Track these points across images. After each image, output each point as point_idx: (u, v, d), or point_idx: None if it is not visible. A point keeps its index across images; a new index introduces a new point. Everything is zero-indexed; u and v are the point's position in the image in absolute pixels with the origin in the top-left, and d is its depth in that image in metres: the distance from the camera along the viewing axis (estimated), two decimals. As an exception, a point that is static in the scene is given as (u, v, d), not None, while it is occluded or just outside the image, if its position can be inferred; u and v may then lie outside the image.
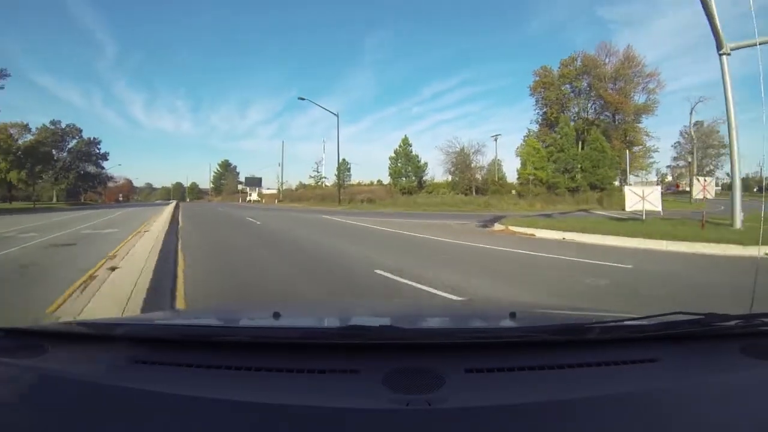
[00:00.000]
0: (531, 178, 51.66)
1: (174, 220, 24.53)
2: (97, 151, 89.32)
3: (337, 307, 3.58)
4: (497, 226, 18.62)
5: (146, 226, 18.57)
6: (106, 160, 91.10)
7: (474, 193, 55.66)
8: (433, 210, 39.65)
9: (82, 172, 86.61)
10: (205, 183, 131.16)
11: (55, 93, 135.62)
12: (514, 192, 53.50)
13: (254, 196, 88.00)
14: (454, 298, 6.46)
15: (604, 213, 30.09)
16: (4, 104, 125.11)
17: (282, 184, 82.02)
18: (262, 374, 1.42)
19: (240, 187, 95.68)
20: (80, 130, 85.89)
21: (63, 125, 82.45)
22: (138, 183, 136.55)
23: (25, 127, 72.24)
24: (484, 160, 61.23)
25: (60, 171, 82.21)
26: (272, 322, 1.90)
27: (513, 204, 43.89)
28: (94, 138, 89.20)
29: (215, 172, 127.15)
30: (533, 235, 15.80)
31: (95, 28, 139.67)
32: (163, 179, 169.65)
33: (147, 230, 15.76)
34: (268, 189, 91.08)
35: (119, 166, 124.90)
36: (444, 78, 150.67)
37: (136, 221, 23.78)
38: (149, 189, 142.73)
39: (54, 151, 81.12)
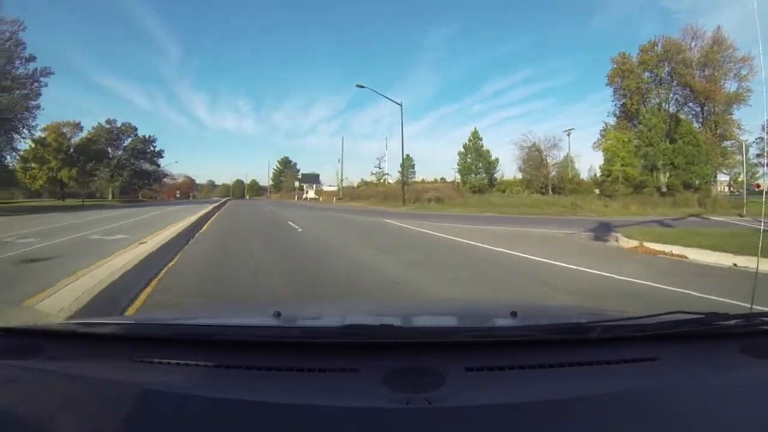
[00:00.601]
0: (619, 176, 45.26)
1: (203, 222, 20.68)
2: (153, 148, 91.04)
3: (337, 306, 3.66)
4: (624, 241, 13.33)
5: (165, 230, 14.63)
6: (161, 157, 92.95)
7: (550, 192, 50.16)
8: (514, 212, 33.14)
9: (137, 169, 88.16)
10: (266, 180, 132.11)
11: (121, 94, 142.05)
12: (597, 191, 47.36)
13: (311, 194, 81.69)
14: None
15: (722, 219, 24.43)
16: (71, 105, 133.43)
17: (342, 181, 77.13)
18: (262, 373, 1.43)
19: (297, 184, 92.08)
20: (135, 129, 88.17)
21: (119, 124, 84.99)
22: (201, 180, 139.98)
23: (77, 126, 74.02)
24: (560, 155, 55.74)
25: (115, 168, 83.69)
26: (273, 321, 1.90)
27: (603, 206, 37.54)
28: (149, 136, 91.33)
29: (275, 170, 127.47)
30: (684, 256, 10.78)
31: (158, 30, 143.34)
32: (224, 177, 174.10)
33: (150, 240, 11.54)
34: (330, 186, 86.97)
35: (176, 164, 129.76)
36: (506, 74, 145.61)
37: (164, 222, 19.57)
38: (211, 186, 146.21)
39: (109, 150, 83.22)
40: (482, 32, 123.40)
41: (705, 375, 1.53)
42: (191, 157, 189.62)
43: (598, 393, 1.35)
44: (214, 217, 26.47)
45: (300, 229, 17.68)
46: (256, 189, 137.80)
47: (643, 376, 1.49)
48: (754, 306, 2.60)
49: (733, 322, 1.68)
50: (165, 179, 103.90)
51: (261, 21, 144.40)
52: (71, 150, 68.14)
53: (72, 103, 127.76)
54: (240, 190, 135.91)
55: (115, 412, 1.24)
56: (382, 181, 68.22)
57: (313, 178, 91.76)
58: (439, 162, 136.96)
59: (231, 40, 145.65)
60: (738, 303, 6.14)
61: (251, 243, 12.95)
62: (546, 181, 52.50)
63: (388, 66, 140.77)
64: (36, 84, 46.60)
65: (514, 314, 1.94)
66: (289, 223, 21.07)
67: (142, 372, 1.48)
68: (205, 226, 19.33)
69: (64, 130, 70.30)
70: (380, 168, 69.57)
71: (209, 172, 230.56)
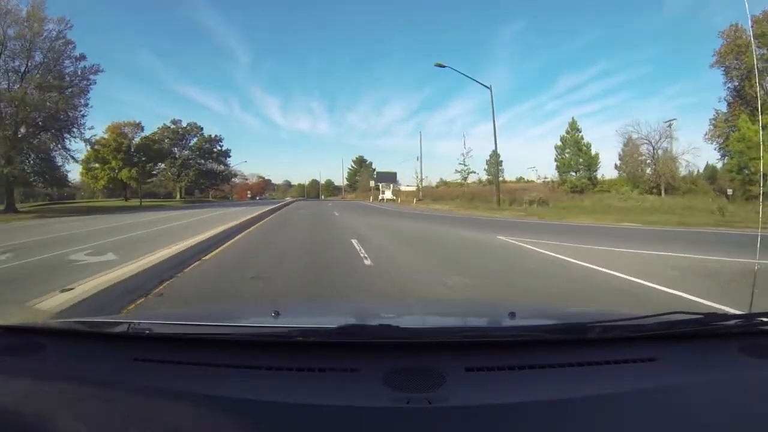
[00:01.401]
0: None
1: (234, 234, 15.10)
2: (219, 148, 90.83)
3: (337, 305, 3.67)
4: None
5: (163, 251, 9.48)
6: (228, 156, 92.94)
7: (662, 192, 42.25)
8: (658, 222, 23.43)
9: (204, 168, 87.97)
10: (340, 179, 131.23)
11: (196, 99, 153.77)
12: (730, 192, 36.93)
13: (388, 194, 71.42)
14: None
15: None
16: (143, 109, 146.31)
17: (421, 180, 68.30)
18: (261, 372, 1.44)
19: (372, 183, 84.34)
20: (201, 128, 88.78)
21: (184, 123, 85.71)
22: (277, 180, 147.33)
23: (138, 126, 73.00)
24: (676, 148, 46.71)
25: (180, 168, 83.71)
26: (272, 320, 1.90)
27: (753, 212, 27.54)
28: (216, 135, 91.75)
29: (350, 169, 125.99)
30: None
31: (230, 37, 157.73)
32: (300, 177, 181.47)
33: (105, 277, 6.45)
34: (407, 186, 78.91)
35: (245, 163, 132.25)
36: (580, 69, 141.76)
37: (188, 232, 14.25)
38: (287, 186, 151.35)
39: (175, 149, 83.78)
40: (554, 26, 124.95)
41: (704, 375, 1.52)
42: (266, 158, 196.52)
43: (598, 393, 1.34)
44: (258, 224, 20.33)
45: (368, 261, 9.82)
46: (331, 189, 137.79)
47: (642, 376, 1.48)
48: (753, 306, 2.47)
49: (732, 322, 1.68)
50: (235, 179, 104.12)
51: (333, 21, 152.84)
52: (132, 150, 67.21)
53: (144, 107, 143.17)
54: (315, 190, 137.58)
55: (115, 412, 1.25)
56: (466, 180, 58.73)
57: (389, 177, 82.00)
58: (514, 162, 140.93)
59: (302, 43, 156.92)
60: None
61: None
62: (658, 180, 44.20)
63: (462, 63, 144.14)
64: (85, 82, 44.15)
65: (513, 314, 1.91)
66: (353, 243, 12.92)
67: (142, 371, 1.47)
68: (225, 246, 12.72)
69: (125, 130, 69.39)
70: (465, 165, 58.29)
71: (285, 172, 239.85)
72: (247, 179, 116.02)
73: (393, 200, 63.36)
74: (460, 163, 57.01)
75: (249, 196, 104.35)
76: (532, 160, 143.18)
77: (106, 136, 63.25)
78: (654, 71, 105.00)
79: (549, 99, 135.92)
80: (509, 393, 1.33)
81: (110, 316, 3.28)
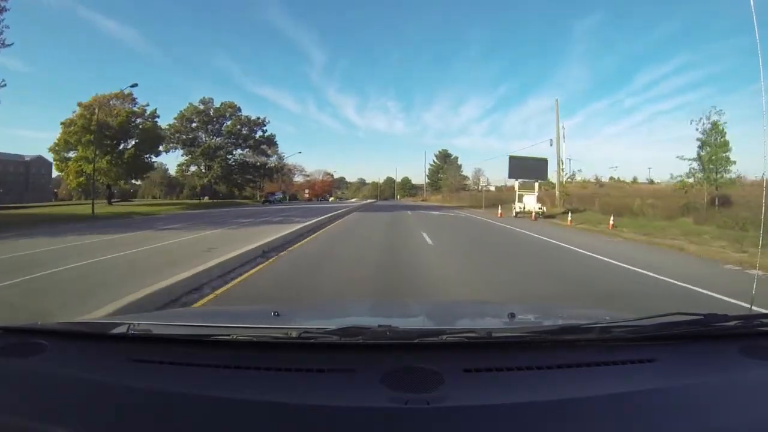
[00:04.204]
0: None
1: None
2: (262, 132, 68.90)
3: (336, 306, 3.54)
4: None
5: None
6: (273, 145, 71.06)
7: None
8: None
9: (240, 160, 65.95)
10: (419, 177, 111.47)
11: (270, 97, 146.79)
12: None
13: (530, 202, 30.40)
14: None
15: None
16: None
17: (564, 177, 37.27)
18: (260, 373, 1.42)
19: (483, 181, 56.54)
20: (238, 108, 67.10)
21: (217, 103, 64.94)
22: (351, 178, 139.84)
23: (128, 97, 48.19)
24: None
25: (204, 159, 62.52)
26: (271, 321, 1.89)
27: None
28: (257, 118, 69.58)
29: (431, 165, 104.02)
30: None
31: (305, 37, 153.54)
32: (375, 174, 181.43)
33: None
34: (486, 182, 53.57)
35: (299, 154, 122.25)
36: (660, 63, 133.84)
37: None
38: (361, 184, 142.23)
39: (202, 134, 63.78)
40: (629, 20, 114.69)
41: (704, 376, 1.47)
42: (340, 156, 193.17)
43: (596, 394, 1.31)
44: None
45: None
46: (408, 188, 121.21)
47: (642, 377, 1.43)
48: (753, 307, 2.43)
49: (732, 323, 1.62)
50: (293, 175, 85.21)
51: (409, 23, 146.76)
52: (108, 129, 42.11)
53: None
54: (390, 189, 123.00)
55: (114, 412, 1.23)
56: (684, 182, 28.16)
57: (535, 170, 35.16)
58: (595, 161, 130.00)
59: (377, 41, 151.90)
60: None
61: None
62: None
63: (537, 63, 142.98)
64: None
65: (512, 315, 1.90)
66: None
67: (141, 372, 1.45)
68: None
69: (113, 103, 45.61)
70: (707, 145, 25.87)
71: (360, 170, 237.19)
72: (309, 176, 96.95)
73: (542, 213, 29.60)
74: (698, 139, 26.25)
75: (307, 196, 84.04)
76: (613, 160, 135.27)
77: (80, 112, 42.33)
78: (736, 65, 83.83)
79: (626, 95, 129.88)
80: (508, 394, 1.29)
81: (110, 317, 3.24)
